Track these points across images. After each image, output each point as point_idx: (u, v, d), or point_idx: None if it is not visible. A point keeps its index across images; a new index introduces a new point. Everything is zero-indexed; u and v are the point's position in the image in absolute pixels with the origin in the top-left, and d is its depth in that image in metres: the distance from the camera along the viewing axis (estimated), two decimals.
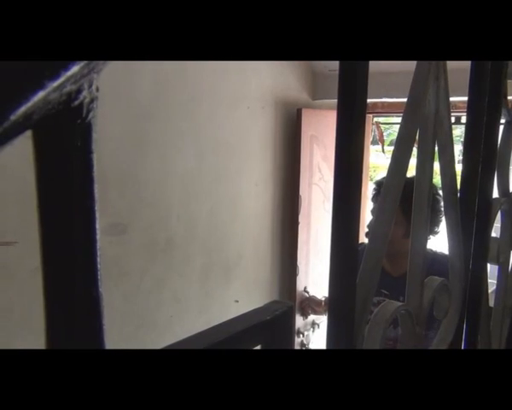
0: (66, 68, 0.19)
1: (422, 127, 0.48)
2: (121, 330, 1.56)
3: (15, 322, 1.35)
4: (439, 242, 1.60)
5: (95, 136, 0.21)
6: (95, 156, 0.22)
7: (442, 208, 1.52)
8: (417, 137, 0.49)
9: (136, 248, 1.61)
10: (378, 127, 3.34)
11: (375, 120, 3.33)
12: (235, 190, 2.00)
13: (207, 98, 1.81)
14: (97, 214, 0.22)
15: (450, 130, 0.52)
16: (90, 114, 0.21)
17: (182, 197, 1.76)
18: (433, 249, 1.53)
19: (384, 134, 3.50)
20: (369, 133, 3.21)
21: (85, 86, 0.20)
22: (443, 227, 1.48)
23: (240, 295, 2.04)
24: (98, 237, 0.22)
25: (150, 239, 1.66)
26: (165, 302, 1.73)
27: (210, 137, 1.84)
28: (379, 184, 1.64)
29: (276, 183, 2.25)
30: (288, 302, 0.36)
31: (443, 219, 1.50)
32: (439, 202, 1.46)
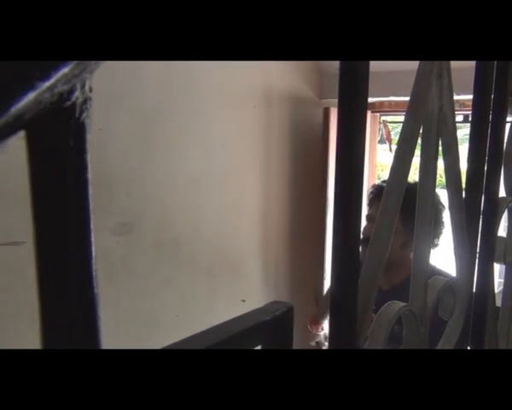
0: (58, 68, 0.19)
1: (426, 126, 0.47)
2: (128, 329, 1.57)
3: (24, 321, 1.36)
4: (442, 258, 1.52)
5: (88, 136, 0.21)
6: (89, 156, 0.22)
7: (444, 219, 1.35)
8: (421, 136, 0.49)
9: (143, 247, 1.61)
10: (385, 126, 3.32)
11: (383, 118, 3.31)
12: (242, 188, 2.00)
13: (213, 98, 1.81)
14: (91, 215, 0.22)
15: (455, 128, 0.51)
16: (84, 115, 0.21)
17: (188, 196, 1.76)
18: (438, 268, 1.37)
19: (391, 133, 3.48)
20: (377, 132, 3.19)
21: (78, 87, 0.20)
22: (443, 240, 1.37)
23: (247, 295, 2.04)
24: (93, 238, 0.22)
25: (157, 238, 1.66)
26: (171, 302, 1.74)
27: (216, 137, 1.84)
28: (377, 188, 1.49)
29: (285, 182, 2.24)
30: (289, 303, 0.35)
31: (444, 231, 1.38)
32: (440, 211, 1.33)
